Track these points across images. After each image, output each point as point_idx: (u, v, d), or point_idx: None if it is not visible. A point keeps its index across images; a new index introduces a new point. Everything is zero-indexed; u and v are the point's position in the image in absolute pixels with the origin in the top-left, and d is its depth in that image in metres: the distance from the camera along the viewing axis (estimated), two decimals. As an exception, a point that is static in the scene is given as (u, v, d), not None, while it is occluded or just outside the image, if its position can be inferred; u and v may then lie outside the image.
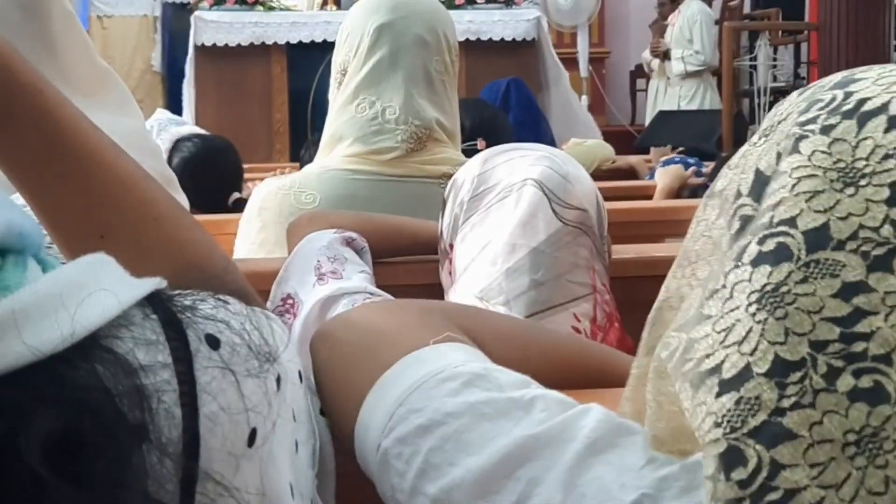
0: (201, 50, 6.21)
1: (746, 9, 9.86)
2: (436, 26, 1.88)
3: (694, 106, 8.65)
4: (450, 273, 1.36)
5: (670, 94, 8.78)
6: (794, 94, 0.62)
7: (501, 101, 3.44)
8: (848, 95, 0.58)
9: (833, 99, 0.59)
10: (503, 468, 0.66)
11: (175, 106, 7.18)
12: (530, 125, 3.44)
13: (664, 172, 3.12)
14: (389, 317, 0.86)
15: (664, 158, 3.72)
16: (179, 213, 0.80)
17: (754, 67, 8.52)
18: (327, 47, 6.21)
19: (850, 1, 7.66)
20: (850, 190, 0.55)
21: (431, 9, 1.91)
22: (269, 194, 1.83)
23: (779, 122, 0.61)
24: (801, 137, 0.58)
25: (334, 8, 6.37)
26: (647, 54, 9.14)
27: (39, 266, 0.60)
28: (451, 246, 1.36)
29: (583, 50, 8.75)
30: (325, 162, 1.85)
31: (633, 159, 3.94)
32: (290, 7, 6.78)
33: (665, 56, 8.72)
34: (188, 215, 0.82)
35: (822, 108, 0.58)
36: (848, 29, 7.69)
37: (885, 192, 0.54)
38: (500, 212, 1.31)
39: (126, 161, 0.78)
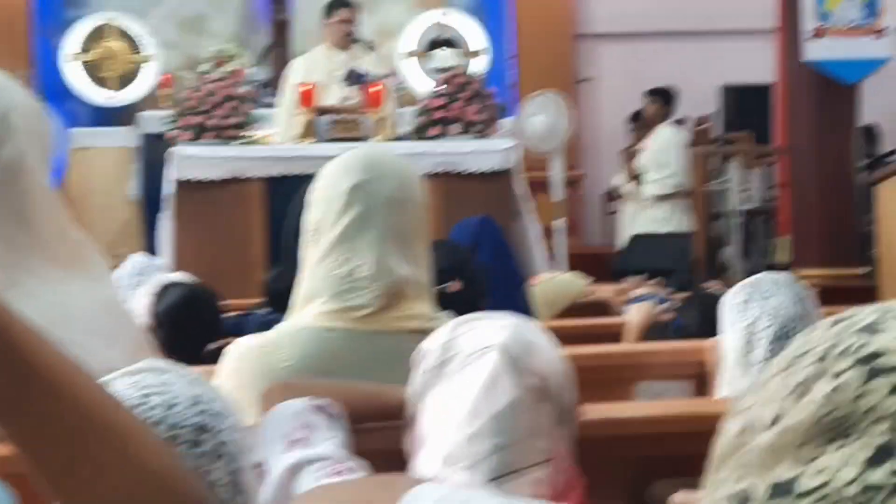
0: (180, 185, 6.28)
1: (718, 132, 10.07)
2: (407, 185, 1.93)
3: (668, 228, 8.75)
4: (413, 440, 1.39)
5: (644, 217, 8.89)
6: (826, 322, 0.62)
7: (473, 240, 3.50)
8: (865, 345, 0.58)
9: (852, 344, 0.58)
10: None
11: (151, 233, 7.23)
12: (501, 264, 3.49)
13: (636, 310, 3.17)
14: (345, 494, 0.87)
15: (635, 293, 3.77)
16: (146, 431, 0.82)
17: (726, 190, 8.67)
18: (306, 180, 6.28)
19: (816, 125, 7.84)
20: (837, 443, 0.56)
21: (403, 168, 1.97)
22: (244, 353, 1.86)
23: (802, 355, 0.60)
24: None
25: (312, 141, 6.47)
26: (617, 179, 9.29)
27: None
28: (416, 413, 1.39)
29: (557, 174, 8.88)
30: (298, 320, 1.88)
31: (607, 293, 3.99)
32: (267, 142, 6.89)
33: (638, 180, 8.86)
34: (158, 440, 0.85)
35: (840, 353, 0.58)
36: (818, 151, 7.85)
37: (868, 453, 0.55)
38: (463, 378, 1.34)
39: (92, 386, 0.80)
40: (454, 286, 2.85)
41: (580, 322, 3.36)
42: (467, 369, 1.34)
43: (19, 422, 0.76)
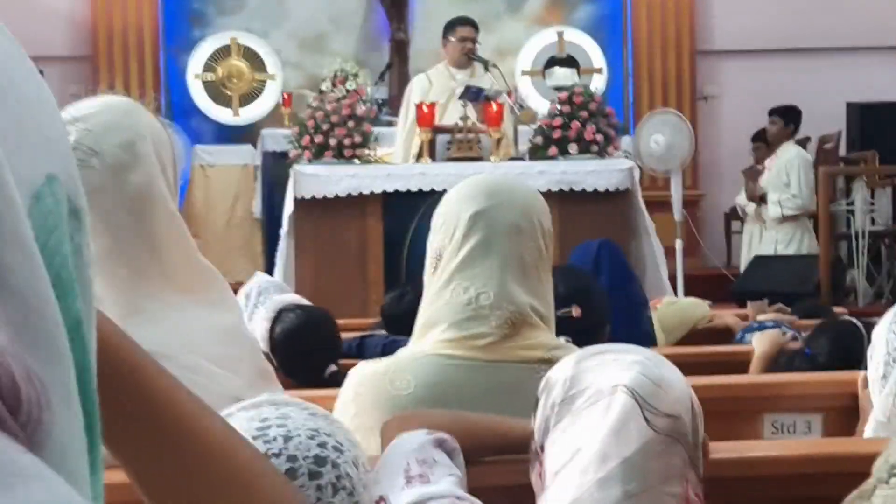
0: (300, 203, 6.35)
1: (842, 151, 9.83)
2: (530, 213, 1.91)
3: (791, 250, 8.56)
4: (540, 475, 1.36)
5: (766, 238, 8.71)
6: None
7: (593, 264, 3.46)
8: None
9: None
10: None
11: (272, 251, 7.33)
12: (622, 288, 3.44)
13: (762, 338, 3.09)
14: None
15: (761, 318, 3.67)
16: (270, 476, 0.81)
17: (851, 211, 8.46)
18: (422, 196, 6.31)
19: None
20: None
21: (526, 196, 1.94)
22: (364, 379, 1.85)
23: None
24: None
25: (429, 161, 6.49)
26: (741, 199, 9.12)
27: None
28: (542, 448, 1.36)
29: (676, 194, 8.74)
30: (419, 347, 1.87)
31: (730, 319, 3.90)
32: (385, 160, 6.92)
33: (761, 200, 8.69)
34: (278, 476, 0.84)
35: None
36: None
37: None
38: (591, 418, 1.31)
39: (217, 429, 0.80)
40: (575, 312, 2.82)
41: (703, 349, 3.29)
42: (595, 408, 1.31)
43: (144, 466, 0.76)
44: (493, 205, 1.89)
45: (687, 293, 8.55)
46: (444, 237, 1.90)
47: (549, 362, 1.84)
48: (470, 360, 1.82)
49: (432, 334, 1.86)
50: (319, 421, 1.18)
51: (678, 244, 8.61)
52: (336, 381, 2.41)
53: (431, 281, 1.91)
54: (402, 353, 1.89)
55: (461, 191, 1.94)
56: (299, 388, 2.47)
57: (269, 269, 8.12)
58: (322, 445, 1.15)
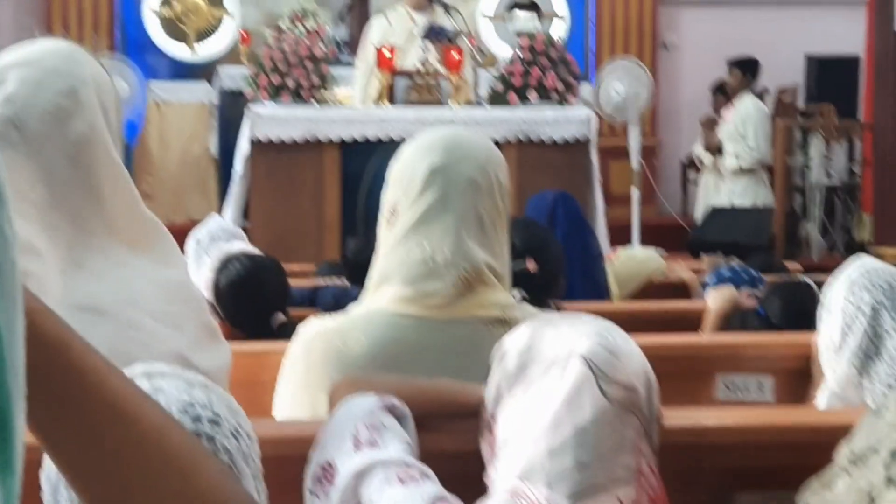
0: (255, 144, 6.27)
1: (800, 104, 9.85)
2: (488, 169, 1.87)
3: (747, 202, 8.59)
4: (490, 445, 1.34)
5: (723, 189, 8.74)
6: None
7: (548, 216, 3.43)
8: None
9: None
10: None
11: (227, 189, 7.24)
12: (578, 240, 3.43)
13: (716, 295, 3.08)
14: None
15: (719, 269, 3.66)
16: (207, 462, 0.78)
17: (807, 165, 8.49)
18: (380, 144, 6.25)
19: (905, 100, 7.62)
20: None
21: (484, 151, 1.91)
22: (315, 336, 1.82)
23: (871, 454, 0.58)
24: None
25: (388, 104, 6.42)
26: (697, 149, 9.13)
27: None
28: (494, 417, 1.34)
29: (634, 143, 8.73)
30: (371, 304, 1.84)
31: (685, 273, 3.90)
32: (345, 102, 6.84)
33: (718, 151, 8.70)
34: (215, 462, 0.81)
35: None
36: (903, 128, 7.63)
37: None
38: (545, 386, 1.29)
39: (152, 413, 0.76)
40: (531, 266, 2.79)
41: (658, 305, 3.28)
42: (549, 377, 1.29)
43: (73, 451, 0.72)
44: (452, 160, 1.85)
45: (643, 242, 8.58)
46: (401, 191, 1.87)
47: (504, 322, 1.82)
48: (424, 319, 1.79)
49: (386, 291, 1.83)
50: (196, 392, 1.14)
51: (634, 193, 8.61)
52: (286, 332, 2.38)
53: (386, 235, 1.88)
54: (353, 311, 1.86)
55: (419, 144, 1.90)
56: (247, 340, 2.43)
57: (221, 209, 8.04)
58: (196, 419, 1.12)
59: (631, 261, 3.82)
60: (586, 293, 3.30)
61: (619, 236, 6.99)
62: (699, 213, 8.93)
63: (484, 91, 6.86)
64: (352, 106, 6.72)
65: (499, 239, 1.88)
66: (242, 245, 3.14)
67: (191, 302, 1.64)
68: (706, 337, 2.81)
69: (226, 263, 2.89)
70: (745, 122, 8.54)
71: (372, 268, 1.90)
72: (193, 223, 9.95)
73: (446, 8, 6.94)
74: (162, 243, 1.64)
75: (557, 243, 3.01)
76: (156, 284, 1.57)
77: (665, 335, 2.47)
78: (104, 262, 1.53)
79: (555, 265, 2.89)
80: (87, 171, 1.54)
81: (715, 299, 3.05)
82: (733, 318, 2.97)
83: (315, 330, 1.83)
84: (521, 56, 6.48)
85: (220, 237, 3.19)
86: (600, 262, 3.55)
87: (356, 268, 3.31)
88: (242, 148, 6.32)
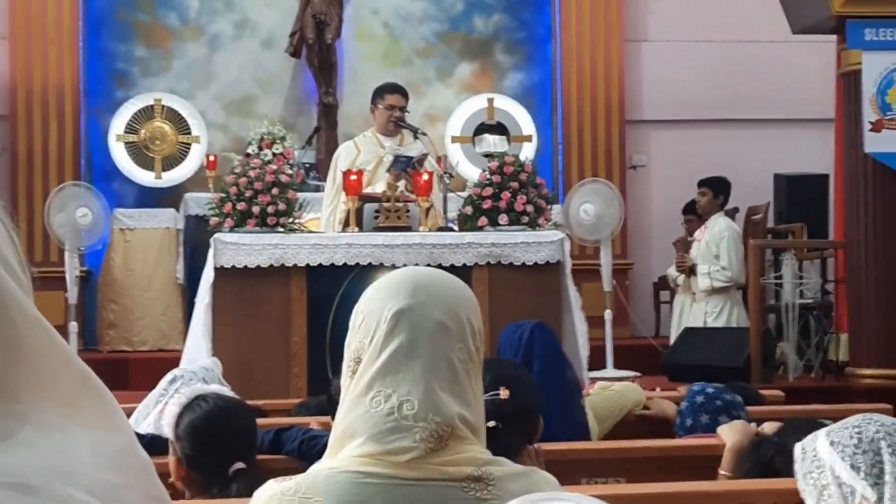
0: (220, 271, 6.13)
1: (770, 223, 9.83)
2: (458, 311, 1.73)
3: (720, 322, 8.50)
4: None
5: (696, 309, 8.65)
6: None
7: (525, 348, 3.29)
8: None
9: None
10: None
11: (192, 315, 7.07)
12: (555, 375, 3.29)
13: (731, 429, 2.94)
14: None
15: (693, 393, 3.51)
16: None
17: (780, 284, 8.41)
18: (348, 270, 6.12)
19: (877, 218, 7.59)
20: None
21: (454, 292, 1.76)
22: (272, 500, 1.66)
23: None
24: None
25: (356, 230, 6.31)
26: (672, 271, 9.06)
27: None
28: None
29: (606, 264, 8.68)
30: (334, 462, 1.68)
31: (666, 406, 3.74)
32: (311, 227, 6.74)
33: (691, 272, 8.63)
34: None
35: None
36: (875, 246, 7.59)
37: None
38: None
39: None
40: (503, 394, 2.65)
41: (646, 444, 3.12)
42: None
43: None
44: (418, 302, 1.71)
45: (616, 364, 8.45)
46: (364, 337, 1.72)
47: (479, 480, 1.66)
48: (390, 479, 1.63)
49: (349, 448, 1.67)
50: None
51: (607, 314, 8.51)
52: (242, 481, 2.21)
53: (349, 387, 1.72)
54: (314, 470, 1.70)
55: (382, 286, 1.76)
56: (202, 498, 2.26)
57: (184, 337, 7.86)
58: None
59: (609, 394, 3.67)
60: (564, 430, 3.14)
61: (592, 358, 6.84)
62: (673, 333, 8.82)
63: (453, 213, 6.78)
64: (319, 231, 6.61)
65: (472, 387, 1.73)
66: (219, 387, 2.98)
67: (134, 470, 1.47)
68: (728, 483, 2.63)
69: (194, 401, 2.74)
70: (717, 242, 8.50)
71: (335, 421, 1.75)
72: (159, 351, 9.75)
73: (415, 132, 6.89)
74: (100, 403, 1.47)
75: (531, 379, 2.87)
76: (93, 452, 1.40)
77: (681, 483, 2.30)
78: (32, 431, 1.36)
79: (529, 398, 2.74)
80: (3, 332, 1.38)
81: (731, 434, 2.91)
82: (751, 451, 2.82)
83: (271, 493, 1.67)
84: (491, 179, 6.41)
85: (199, 377, 3.04)
86: (579, 397, 3.40)
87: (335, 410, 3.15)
88: (207, 276, 6.17)
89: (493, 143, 9.68)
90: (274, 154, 9.14)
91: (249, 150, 9.52)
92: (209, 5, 10.46)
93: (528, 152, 10.03)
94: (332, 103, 10.24)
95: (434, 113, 10.55)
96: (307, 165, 9.87)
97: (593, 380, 4.54)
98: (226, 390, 3.00)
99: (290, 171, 6.80)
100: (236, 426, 2.74)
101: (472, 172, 9.54)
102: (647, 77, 10.86)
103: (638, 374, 8.30)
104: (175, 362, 6.25)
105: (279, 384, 5.96)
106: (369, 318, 1.72)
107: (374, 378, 1.68)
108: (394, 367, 1.68)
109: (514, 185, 6.36)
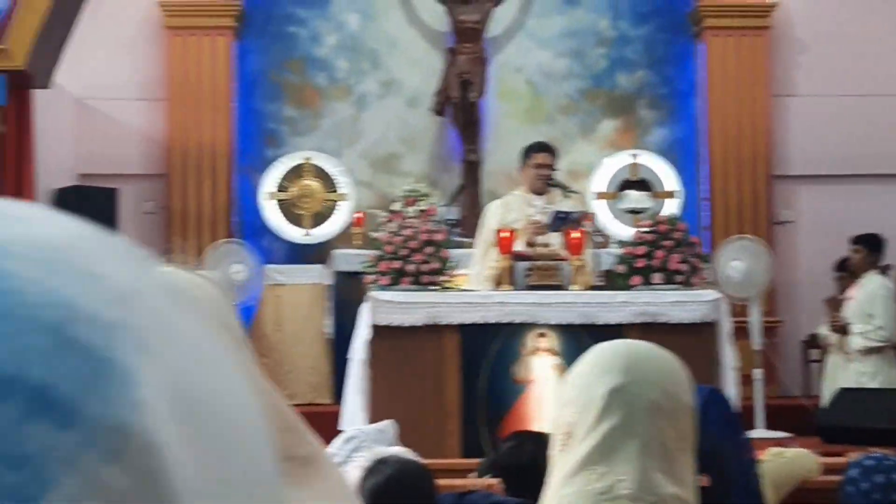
0: (375, 329, 6.23)
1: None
2: (672, 389, 1.74)
3: (876, 383, 8.27)
4: None
5: (850, 369, 8.43)
6: None
7: (700, 415, 3.25)
8: None
9: None
10: None
11: (341, 372, 7.18)
12: (732, 444, 3.23)
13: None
14: None
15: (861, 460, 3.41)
16: None
17: (940, 343, 8.16)
18: (500, 328, 6.16)
19: None
20: None
21: (667, 369, 1.78)
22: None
23: None
24: None
25: (509, 288, 6.35)
26: (823, 330, 8.86)
27: None
28: None
29: (756, 321, 8.54)
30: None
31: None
32: (459, 283, 6.80)
33: (844, 331, 8.43)
34: None
35: None
36: None
37: None
38: None
39: None
40: (704, 481, 2.62)
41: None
42: None
43: None
44: (633, 381, 1.72)
45: (768, 426, 8.28)
46: (577, 413, 1.74)
47: (696, 561, 1.66)
48: (609, 559, 1.65)
49: (566, 527, 1.69)
50: None
51: (757, 373, 8.36)
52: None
53: (561, 460, 1.75)
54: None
55: (595, 361, 1.78)
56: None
57: (338, 389, 7.97)
58: None
59: (783, 461, 3.61)
60: (742, 499, 3.10)
61: (742, 419, 6.73)
62: (825, 394, 8.61)
63: (603, 270, 6.78)
64: (471, 290, 6.67)
65: (685, 464, 1.73)
66: (400, 449, 3.04)
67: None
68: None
69: (375, 465, 2.79)
70: (871, 300, 8.29)
71: (537, 469, 1.77)
72: (309, 406, 9.89)
73: (565, 190, 6.92)
74: (332, 475, 1.53)
75: (727, 453, 2.83)
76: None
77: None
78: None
79: (727, 478, 2.71)
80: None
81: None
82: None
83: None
84: (644, 238, 6.40)
85: (373, 439, 3.10)
86: (755, 467, 3.34)
87: (511, 470, 3.17)
88: (362, 333, 6.27)
89: (636, 199, 9.65)
90: (421, 211, 9.27)
91: (394, 207, 9.68)
92: (357, 65, 10.69)
93: (671, 208, 9.96)
94: (475, 161, 10.34)
95: (577, 170, 10.56)
96: (452, 222, 9.98)
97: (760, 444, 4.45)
98: (409, 453, 3.04)
99: (441, 231, 6.89)
100: (418, 491, 2.78)
101: (617, 230, 9.51)
102: (794, 131, 10.72)
103: (790, 434, 8.12)
104: (328, 416, 6.37)
105: (433, 442, 6.00)
106: (582, 393, 1.74)
107: (589, 456, 1.70)
108: (609, 447, 1.69)
109: (668, 243, 6.33)
